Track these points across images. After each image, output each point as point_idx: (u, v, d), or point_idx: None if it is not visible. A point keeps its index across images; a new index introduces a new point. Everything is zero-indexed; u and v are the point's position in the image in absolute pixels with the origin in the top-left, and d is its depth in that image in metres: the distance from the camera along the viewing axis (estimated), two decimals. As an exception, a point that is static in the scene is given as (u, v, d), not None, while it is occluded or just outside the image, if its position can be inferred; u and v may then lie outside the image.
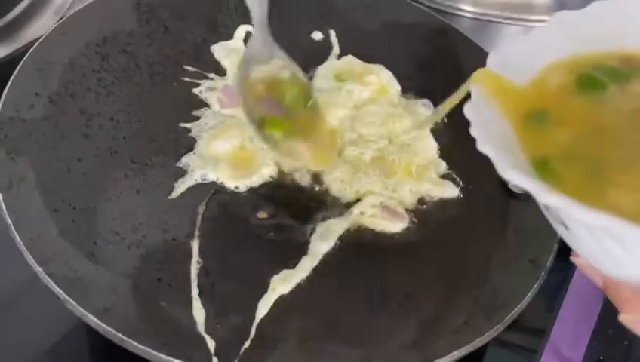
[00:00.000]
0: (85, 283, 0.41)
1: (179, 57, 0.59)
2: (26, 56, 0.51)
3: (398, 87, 0.60)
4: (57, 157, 0.47)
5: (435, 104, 0.59)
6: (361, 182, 0.52)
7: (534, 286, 0.46)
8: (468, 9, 0.72)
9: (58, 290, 0.39)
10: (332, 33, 0.64)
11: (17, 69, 0.50)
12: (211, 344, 0.40)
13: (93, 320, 0.38)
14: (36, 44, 0.52)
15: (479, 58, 0.56)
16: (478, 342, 0.42)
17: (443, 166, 0.55)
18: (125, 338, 0.38)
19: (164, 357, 0.38)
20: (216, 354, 0.39)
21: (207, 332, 0.40)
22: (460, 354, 0.41)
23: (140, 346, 0.38)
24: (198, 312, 0.41)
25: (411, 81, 0.61)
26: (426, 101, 0.60)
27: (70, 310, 0.39)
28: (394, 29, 0.65)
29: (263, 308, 0.43)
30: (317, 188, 0.52)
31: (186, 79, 0.58)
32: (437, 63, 0.62)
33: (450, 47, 0.64)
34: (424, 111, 0.59)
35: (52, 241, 0.42)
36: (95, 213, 0.45)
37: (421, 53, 0.63)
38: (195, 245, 0.46)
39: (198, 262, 0.45)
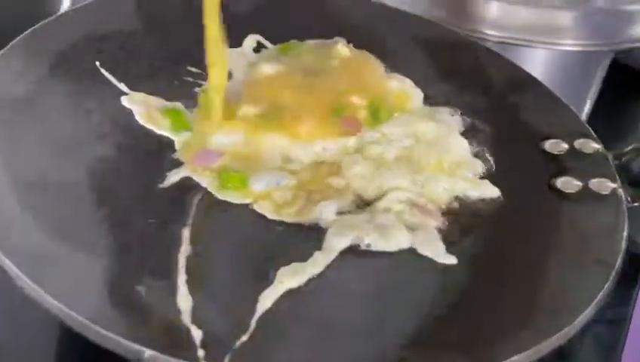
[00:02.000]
0: (46, 260, 0.33)
1: (182, 57, 0.54)
2: (16, 40, 0.46)
3: (421, 94, 0.54)
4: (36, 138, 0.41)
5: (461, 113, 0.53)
6: (384, 176, 0.44)
7: (605, 287, 0.37)
8: (492, 33, 0.68)
9: (6, 262, 0.31)
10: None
11: (3, 49, 0.45)
12: (197, 334, 0.31)
13: (49, 301, 0.30)
14: (29, 30, 0.48)
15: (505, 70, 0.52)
16: (543, 347, 0.33)
17: (479, 165, 0.47)
18: (88, 323, 0.29)
19: (135, 346, 0.29)
20: (202, 347, 0.30)
21: (194, 322, 0.31)
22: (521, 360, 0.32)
23: (106, 333, 0.29)
24: (184, 300, 0.33)
25: (435, 91, 0.55)
26: (451, 110, 0.54)
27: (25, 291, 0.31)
28: (417, 44, 0.60)
29: (267, 301, 0.34)
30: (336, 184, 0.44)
31: (189, 79, 0.52)
32: (462, 75, 0.57)
33: (475, 60, 0.60)
34: (450, 118, 0.52)
35: (12, 212, 0.34)
36: (70, 189, 0.38)
37: (444, 65, 0.58)
38: (186, 232, 0.38)
39: (187, 250, 0.36)
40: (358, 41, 0.59)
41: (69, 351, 0.40)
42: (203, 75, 0.53)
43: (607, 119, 0.73)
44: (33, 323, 0.39)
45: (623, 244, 0.41)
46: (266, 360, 0.31)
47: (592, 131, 0.51)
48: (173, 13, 0.56)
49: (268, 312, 0.33)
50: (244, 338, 0.31)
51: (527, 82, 0.57)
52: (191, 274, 0.34)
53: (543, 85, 0.57)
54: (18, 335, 0.39)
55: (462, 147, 0.48)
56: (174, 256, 0.36)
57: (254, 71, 0.53)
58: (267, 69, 0.53)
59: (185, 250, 0.36)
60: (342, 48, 0.56)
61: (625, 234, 0.42)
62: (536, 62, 0.71)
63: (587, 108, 0.74)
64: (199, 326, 0.31)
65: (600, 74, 0.73)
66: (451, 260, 0.39)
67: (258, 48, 0.58)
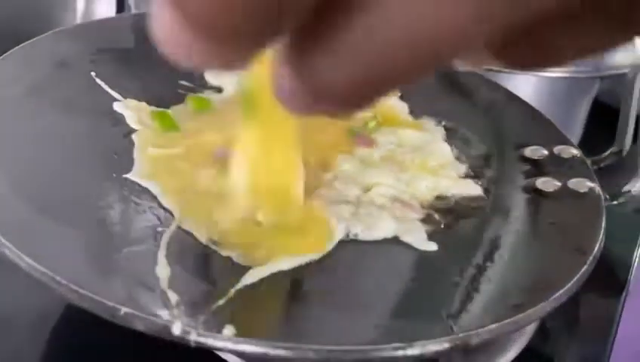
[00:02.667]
0: (30, 231, 0.33)
1: (174, 73, 0.56)
2: (16, 48, 0.49)
3: (406, 106, 0.56)
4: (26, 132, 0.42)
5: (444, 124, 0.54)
6: (368, 174, 0.45)
7: (582, 271, 0.37)
8: (476, 61, 0.71)
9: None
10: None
11: (4, 55, 0.47)
12: (174, 297, 0.31)
13: (27, 261, 0.31)
14: (27, 42, 0.50)
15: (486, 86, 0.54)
16: (520, 319, 0.33)
17: (462, 167, 0.49)
18: (65, 283, 0.30)
19: (110, 304, 0.29)
20: (177, 306, 0.30)
21: (171, 288, 0.32)
22: (498, 331, 0.32)
23: (83, 291, 0.30)
24: (163, 269, 0.33)
25: (419, 105, 0.57)
26: (435, 120, 0.55)
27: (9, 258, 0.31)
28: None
29: (253, 277, 0.34)
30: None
31: (180, 91, 0.54)
32: (445, 90, 0.59)
33: (457, 78, 0.62)
34: (434, 127, 0.54)
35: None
36: (58, 171, 0.39)
37: (428, 81, 0.60)
38: (176, 212, 0.38)
39: (176, 227, 0.37)
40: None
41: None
42: (196, 89, 0.55)
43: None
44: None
45: (601, 235, 0.41)
46: (241, 321, 0.31)
47: (570, 139, 0.53)
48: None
49: (251, 286, 0.34)
50: (221, 302, 0.31)
51: (508, 97, 0.59)
52: (171, 247, 0.35)
53: (522, 100, 0.59)
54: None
55: (445, 151, 0.50)
56: (159, 232, 0.36)
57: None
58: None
59: (173, 228, 0.37)
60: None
61: (603, 226, 0.42)
62: (522, 89, 0.73)
63: (577, 134, 0.76)
64: (176, 292, 0.31)
65: (588, 100, 0.75)
66: (432, 246, 0.40)
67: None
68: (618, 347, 0.48)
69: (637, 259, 0.55)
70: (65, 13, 0.73)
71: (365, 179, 0.45)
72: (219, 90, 0.56)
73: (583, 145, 0.74)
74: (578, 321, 0.51)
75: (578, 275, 0.37)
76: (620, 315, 0.49)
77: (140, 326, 0.29)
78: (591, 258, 0.39)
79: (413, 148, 0.49)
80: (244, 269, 0.35)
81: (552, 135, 0.54)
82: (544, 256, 0.40)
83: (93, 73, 0.51)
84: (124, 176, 0.42)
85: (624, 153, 0.49)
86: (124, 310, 0.29)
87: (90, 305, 0.29)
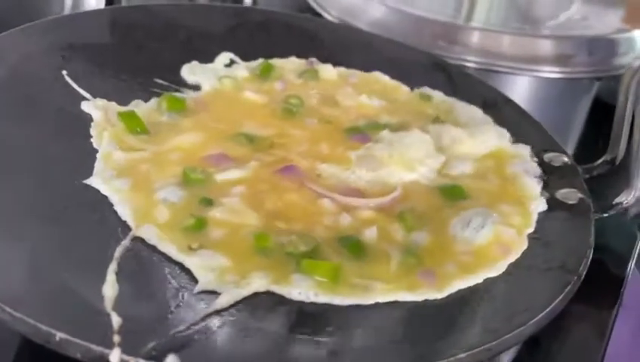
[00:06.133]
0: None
1: (150, 70, 0.53)
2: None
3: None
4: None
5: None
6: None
7: (565, 291, 0.35)
8: (473, 59, 0.68)
9: None
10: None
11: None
12: (117, 321, 0.29)
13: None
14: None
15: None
16: (495, 347, 0.31)
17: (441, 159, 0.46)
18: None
19: (44, 328, 0.27)
20: (119, 333, 0.28)
21: (116, 310, 0.30)
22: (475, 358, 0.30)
23: (16, 314, 0.27)
24: (110, 288, 0.31)
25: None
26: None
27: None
28: (391, 64, 0.60)
29: (225, 299, 0.32)
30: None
31: (155, 90, 0.52)
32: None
33: (448, 79, 0.59)
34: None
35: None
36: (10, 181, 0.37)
37: (418, 83, 0.58)
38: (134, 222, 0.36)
39: (127, 245, 0.35)
40: (332, 61, 0.60)
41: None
42: (170, 88, 0.53)
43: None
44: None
45: (589, 252, 0.39)
46: (191, 352, 0.28)
47: (561, 146, 0.50)
48: (144, 30, 0.57)
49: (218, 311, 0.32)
50: (179, 329, 0.29)
51: (500, 100, 0.57)
52: (123, 265, 0.33)
53: (514, 103, 0.56)
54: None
55: (425, 141, 0.47)
56: (112, 249, 0.34)
57: (236, 94, 0.52)
58: (251, 95, 0.53)
59: (125, 244, 0.35)
60: (325, 71, 0.57)
61: (591, 240, 0.40)
62: (518, 90, 0.70)
63: (573, 137, 0.73)
64: (122, 315, 0.29)
65: (585, 103, 0.72)
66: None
67: (230, 64, 0.58)
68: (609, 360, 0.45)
69: (631, 273, 0.53)
70: (52, 5, 0.71)
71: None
72: (195, 87, 0.54)
73: (582, 147, 0.72)
74: (569, 334, 0.49)
75: (561, 297, 0.35)
76: (611, 329, 0.46)
77: (75, 353, 0.27)
78: (575, 278, 0.36)
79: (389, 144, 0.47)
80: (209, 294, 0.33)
81: (542, 140, 0.51)
82: (526, 276, 0.37)
83: (64, 72, 0.49)
84: (84, 181, 0.40)
85: (617, 162, 0.46)
86: (59, 335, 0.27)
87: (23, 328, 0.27)
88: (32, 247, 0.32)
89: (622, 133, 0.46)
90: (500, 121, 0.53)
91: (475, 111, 0.54)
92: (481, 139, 0.49)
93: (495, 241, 0.38)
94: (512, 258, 0.38)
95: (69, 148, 0.42)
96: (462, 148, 0.48)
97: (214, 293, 0.33)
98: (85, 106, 0.47)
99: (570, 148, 0.71)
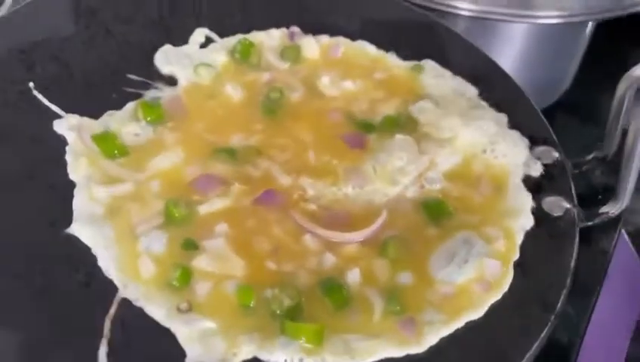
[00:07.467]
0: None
1: (121, 64, 0.50)
2: None
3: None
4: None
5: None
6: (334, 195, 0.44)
7: (542, 334, 0.36)
8: (465, 7, 0.63)
9: None
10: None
11: None
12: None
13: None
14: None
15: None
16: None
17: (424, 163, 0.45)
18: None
19: None
20: None
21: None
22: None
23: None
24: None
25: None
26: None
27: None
28: (375, 28, 0.56)
29: None
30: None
31: (129, 89, 0.49)
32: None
33: (438, 40, 0.56)
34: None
35: None
36: None
37: (409, 46, 0.54)
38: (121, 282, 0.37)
39: (113, 315, 0.35)
40: (315, 27, 0.56)
41: None
42: (145, 84, 0.50)
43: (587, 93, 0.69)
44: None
45: (569, 281, 0.39)
46: None
47: (553, 136, 0.49)
48: (110, 12, 0.53)
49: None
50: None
51: (492, 72, 0.54)
52: (113, 343, 0.34)
53: (508, 78, 0.54)
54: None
55: (408, 144, 0.46)
56: (99, 318, 0.35)
57: (215, 89, 0.50)
58: (231, 91, 0.50)
59: (111, 314, 0.35)
60: (308, 47, 0.54)
61: (572, 264, 0.40)
62: (512, 38, 0.66)
63: (567, 82, 0.70)
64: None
65: (581, 47, 0.69)
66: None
67: (205, 43, 0.54)
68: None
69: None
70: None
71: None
72: (170, 81, 0.51)
73: (576, 85, 0.70)
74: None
75: (537, 342, 0.36)
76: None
77: None
78: (552, 318, 0.37)
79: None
80: None
81: (535, 129, 0.49)
82: (505, 318, 0.38)
83: (31, 84, 0.47)
84: (65, 231, 0.39)
85: (608, 159, 0.45)
86: None
87: None
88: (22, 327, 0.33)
89: (614, 134, 0.45)
90: (491, 100, 0.51)
91: (470, 91, 0.52)
92: (477, 126, 0.47)
93: (477, 279, 0.39)
94: (494, 297, 0.38)
95: (44, 189, 0.41)
96: (449, 147, 0.47)
97: (203, 364, 0.34)
98: (58, 127, 0.45)
99: (566, 84, 0.69)
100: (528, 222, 0.43)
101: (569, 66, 0.69)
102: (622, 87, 0.41)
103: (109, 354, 0.33)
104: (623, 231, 0.57)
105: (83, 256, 0.38)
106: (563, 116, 0.68)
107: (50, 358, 0.33)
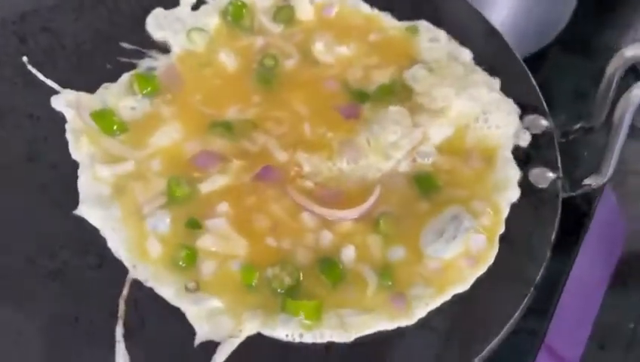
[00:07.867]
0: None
1: (113, 32, 0.50)
2: None
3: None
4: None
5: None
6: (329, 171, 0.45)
7: (521, 306, 0.40)
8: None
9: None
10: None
11: None
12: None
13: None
14: None
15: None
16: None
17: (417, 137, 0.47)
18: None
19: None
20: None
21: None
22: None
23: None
24: (121, 357, 0.35)
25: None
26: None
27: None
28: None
29: (221, 358, 0.36)
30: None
31: (123, 59, 0.49)
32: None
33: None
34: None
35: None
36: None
37: (406, 9, 0.54)
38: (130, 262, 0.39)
39: (127, 296, 0.38)
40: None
41: None
42: (138, 53, 0.50)
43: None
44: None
45: (548, 253, 0.42)
46: None
47: (543, 103, 0.50)
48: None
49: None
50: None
51: (486, 32, 0.54)
52: (129, 325, 0.37)
53: (501, 38, 0.54)
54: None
55: (402, 115, 0.47)
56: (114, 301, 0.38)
57: (209, 57, 0.50)
58: (225, 59, 0.50)
59: (124, 295, 0.38)
60: (302, 7, 0.53)
61: (553, 238, 0.43)
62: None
63: (566, 18, 0.69)
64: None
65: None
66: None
67: (197, 5, 0.54)
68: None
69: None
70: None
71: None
72: (164, 49, 0.51)
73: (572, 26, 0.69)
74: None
75: (516, 314, 0.39)
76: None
77: None
78: (532, 289, 0.40)
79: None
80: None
81: (525, 97, 0.50)
82: (489, 290, 0.41)
83: (25, 58, 0.47)
84: (73, 212, 0.41)
85: (595, 130, 0.47)
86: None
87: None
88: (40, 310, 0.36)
89: (602, 107, 0.46)
90: (485, 64, 0.52)
91: (464, 55, 0.52)
92: (470, 95, 0.48)
93: (465, 254, 0.41)
94: (480, 271, 0.41)
95: (46, 169, 0.42)
96: (443, 117, 0.48)
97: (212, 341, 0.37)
98: (55, 103, 0.46)
99: (565, 21, 0.69)
100: (514, 194, 0.45)
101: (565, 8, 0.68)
102: (612, 65, 0.42)
103: (125, 335, 0.36)
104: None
105: (93, 237, 0.40)
106: (561, 55, 0.68)
107: (69, 340, 0.36)
